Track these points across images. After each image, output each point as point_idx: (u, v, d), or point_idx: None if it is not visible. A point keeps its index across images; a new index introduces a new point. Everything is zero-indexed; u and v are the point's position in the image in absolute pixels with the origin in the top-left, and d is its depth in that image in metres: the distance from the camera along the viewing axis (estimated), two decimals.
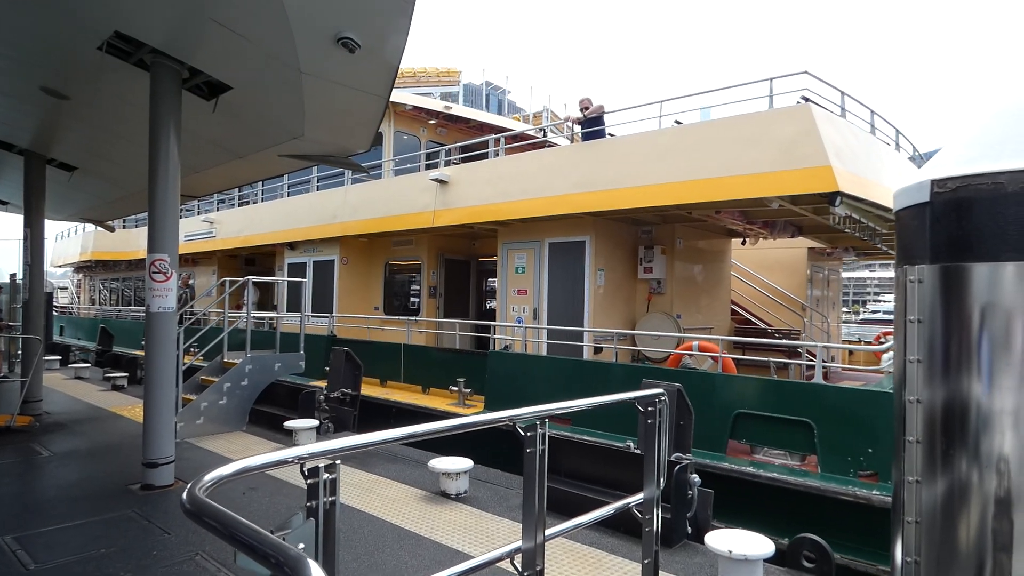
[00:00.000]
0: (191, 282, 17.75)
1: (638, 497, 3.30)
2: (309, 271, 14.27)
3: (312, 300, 13.89)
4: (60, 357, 15.20)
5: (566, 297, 10.13)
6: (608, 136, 9.77)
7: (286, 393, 8.46)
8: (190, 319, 9.91)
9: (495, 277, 14.92)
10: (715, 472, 5.49)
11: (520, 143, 13.20)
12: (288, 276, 14.33)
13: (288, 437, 6.97)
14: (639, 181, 8.47)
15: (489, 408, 7.56)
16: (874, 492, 4.97)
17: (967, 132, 2.56)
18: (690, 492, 4.19)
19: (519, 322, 10.61)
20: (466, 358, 9.63)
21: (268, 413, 8.08)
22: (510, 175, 10.14)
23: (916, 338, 2.47)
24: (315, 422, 7.02)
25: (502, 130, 13.52)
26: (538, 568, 2.53)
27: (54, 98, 6.24)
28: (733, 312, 12.92)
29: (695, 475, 4.27)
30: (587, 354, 9.31)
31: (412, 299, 13.77)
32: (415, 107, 13.72)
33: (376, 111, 5.75)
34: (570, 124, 10.72)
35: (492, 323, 11.04)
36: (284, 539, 1.70)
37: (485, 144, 11.40)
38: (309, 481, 1.84)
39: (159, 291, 5.40)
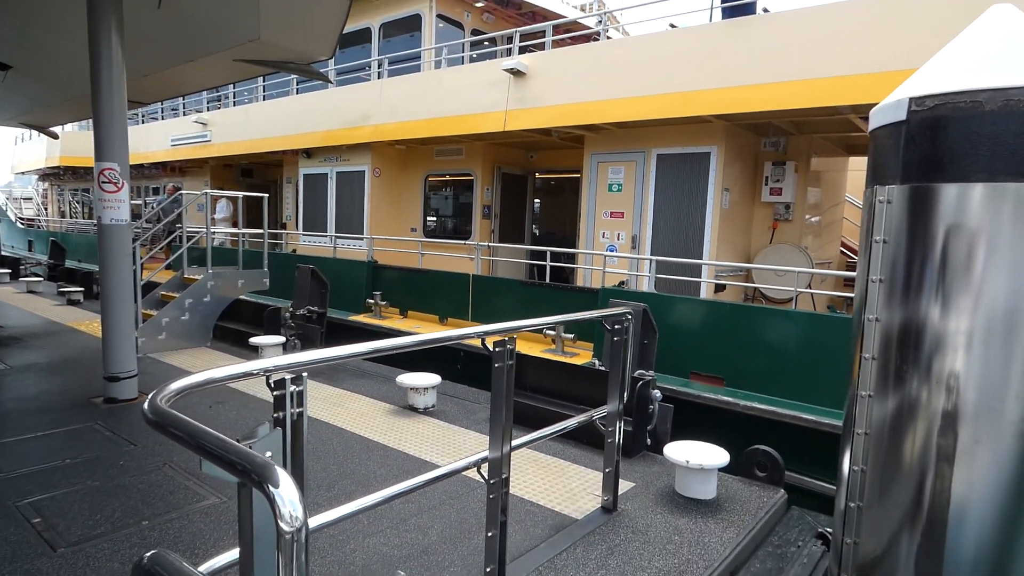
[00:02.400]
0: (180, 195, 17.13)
1: (602, 410, 3.40)
2: (331, 184, 12.19)
3: (336, 218, 12.03)
4: (10, 271, 14.66)
5: (678, 223, 8.37)
6: (761, 12, 7.35)
7: (251, 311, 8.35)
8: (166, 236, 9.26)
9: (549, 195, 13.24)
10: (678, 397, 5.67)
11: (572, 34, 10.95)
12: (304, 189, 12.77)
13: (254, 353, 6.93)
14: (805, 72, 6.55)
15: (598, 356, 6.58)
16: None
17: (948, 50, 2.51)
18: (651, 407, 4.33)
19: (610, 250, 8.90)
20: (561, 296, 7.73)
21: (233, 330, 8.00)
22: (615, 65, 8.09)
23: (880, 258, 2.52)
24: (281, 339, 6.98)
25: (560, 19, 11.17)
26: (503, 476, 2.60)
27: None
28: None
29: (656, 391, 4.40)
30: (705, 292, 7.92)
31: (459, 220, 11.75)
32: None
33: (339, 13, 5.39)
34: None
35: (578, 251, 9.23)
36: (251, 447, 1.69)
37: (537, 36, 9.45)
38: (275, 393, 1.82)
39: (110, 202, 5.15)
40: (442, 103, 9.92)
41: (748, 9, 7.23)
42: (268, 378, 1.85)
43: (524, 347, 7.17)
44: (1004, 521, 2.04)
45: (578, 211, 10.79)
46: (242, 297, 8.24)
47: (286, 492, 1.14)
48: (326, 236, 11.99)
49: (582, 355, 7.13)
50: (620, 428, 3.38)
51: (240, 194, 8.24)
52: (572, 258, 10.07)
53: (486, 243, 9.72)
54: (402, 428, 4.74)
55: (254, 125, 13.50)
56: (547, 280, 8.54)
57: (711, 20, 7.68)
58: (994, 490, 2.04)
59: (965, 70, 2.33)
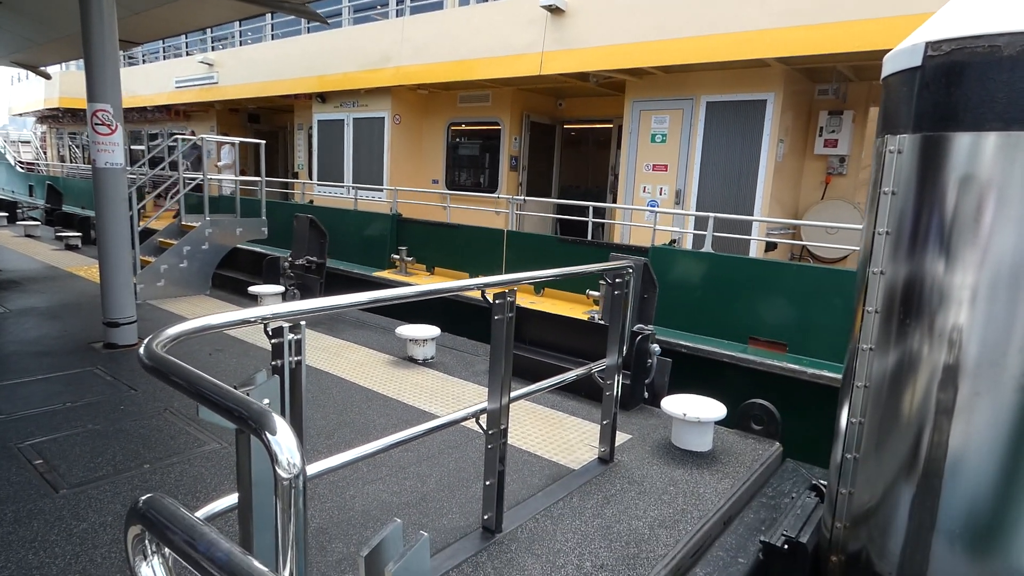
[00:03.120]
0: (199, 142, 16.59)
1: (601, 363, 3.40)
2: (347, 131, 11.43)
3: (353, 168, 11.39)
4: (7, 214, 14.55)
5: (728, 176, 7.80)
6: None
7: (251, 260, 8.32)
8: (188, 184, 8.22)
9: (570, 146, 12.42)
10: (677, 349, 5.66)
11: None
12: (319, 136, 12.07)
13: (253, 302, 6.93)
14: (878, 9, 5.99)
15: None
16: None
17: None
18: (649, 360, 4.34)
19: (652, 205, 8.28)
20: (603, 254, 7.10)
21: (232, 278, 7.98)
22: (663, 2, 7.49)
23: (888, 210, 2.46)
24: (280, 288, 6.97)
25: None
26: (502, 427, 2.61)
27: None
28: None
29: (655, 345, 4.40)
30: (755, 251, 7.46)
31: (484, 171, 10.95)
32: None
33: None
34: None
35: (617, 206, 8.59)
36: (248, 395, 1.68)
37: None
38: (274, 341, 1.80)
39: (105, 145, 5.05)
40: (471, 43, 9.20)
41: None
42: (266, 326, 1.83)
43: (565, 308, 6.86)
44: (1001, 472, 2.05)
45: (609, 163, 10.41)
46: (241, 246, 8.19)
47: (283, 439, 1.13)
48: (344, 187, 11.48)
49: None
50: (618, 381, 3.39)
51: (237, 140, 8.10)
52: (602, 213, 9.67)
53: (520, 197, 8.94)
54: (401, 379, 4.76)
55: (264, 66, 12.66)
56: (587, 237, 8.23)
57: None
58: (992, 442, 2.05)
59: (984, 13, 2.23)
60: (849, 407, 2.47)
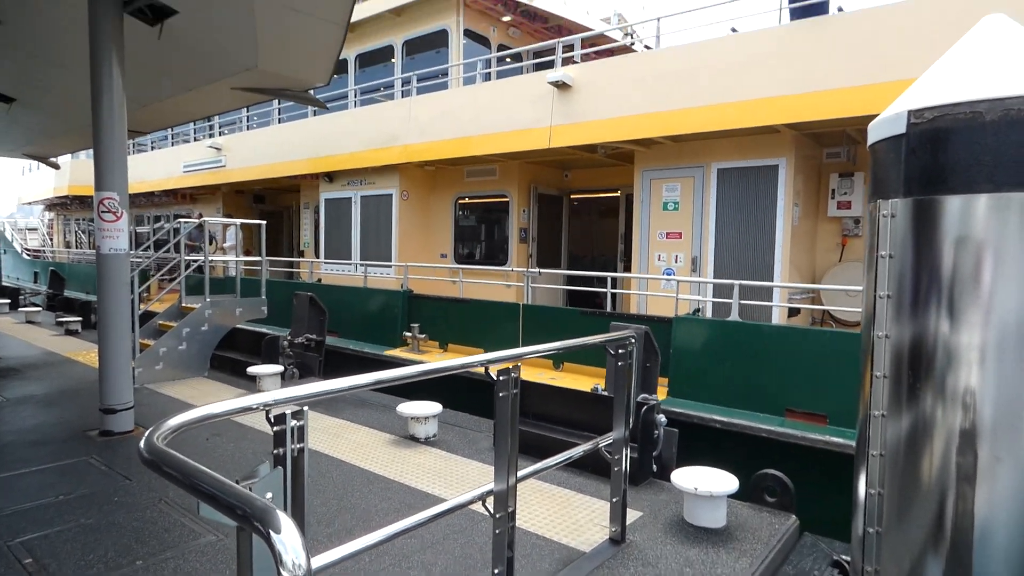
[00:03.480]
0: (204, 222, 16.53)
1: (608, 437, 3.32)
2: (355, 208, 11.59)
3: (361, 245, 11.47)
4: (9, 301, 14.61)
5: (744, 242, 7.75)
6: (836, 11, 6.93)
7: (248, 339, 8.29)
8: (191, 264, 8.43)
9: (576, 217, 12.57)
10: (684, 420, 5.54)
11: (597, 48, 10.52)
12: (326, 214, 12.20)
13: (252, 383, 6.86)
14: (887, 74, 6.03)
15: (675, 395, 6.00)
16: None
17: (945, 62, 2.49)
18: (656, 432, 4.25)
19: (668, 274, 8.24)
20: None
21: (230, 359, 7.92)
22: (671, 74, 7.60)
23: (886, 273, 2.47)
24: (279, 368, 6.91)
25: (590, 34, 10.43)
26: (510, 509, 2.52)
27: None
28: None
29: (661, 415, 4.32)
30: (777, 317, 7.28)
31: (492, 244, 11.00)
32: None
33: (335, 40, 5.43)
34: None
35: (633, 275, 8.54)
36: (251, 488, 1.63)
37: (561, 50, 8.84)
38: (276, 428, 1.76)
39: (110, 231, 5.13)
40: (479, 120, 9.42)
41: (820, 9, 6.81)
42: (268, 413, 1.80)
43: (586, 383, 6.41)
44: None
45: (617, 232, 10.61)
46: (241, 326, 8.18)
47: (288, 538, 1.09)
48: (350, 264, 11.52)
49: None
50: (627, 456, 3.30)
51: (239, 221, 8.23)
52: (612, 283, 9.93)
53: (535, 269, 8.57)
54: (403, 459, 4.65)
55: (272, 149, 13.04)
56: (603, 308, 8.22)
57: (779, 21, 7.26)
58: (1019, 508, 1.97)
59: (962, 81, 2.31)
60: (866, 477, 2.39)
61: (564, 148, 8.64)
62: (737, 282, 6.28)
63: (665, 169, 8.35)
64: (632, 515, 3.60)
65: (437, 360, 7.64)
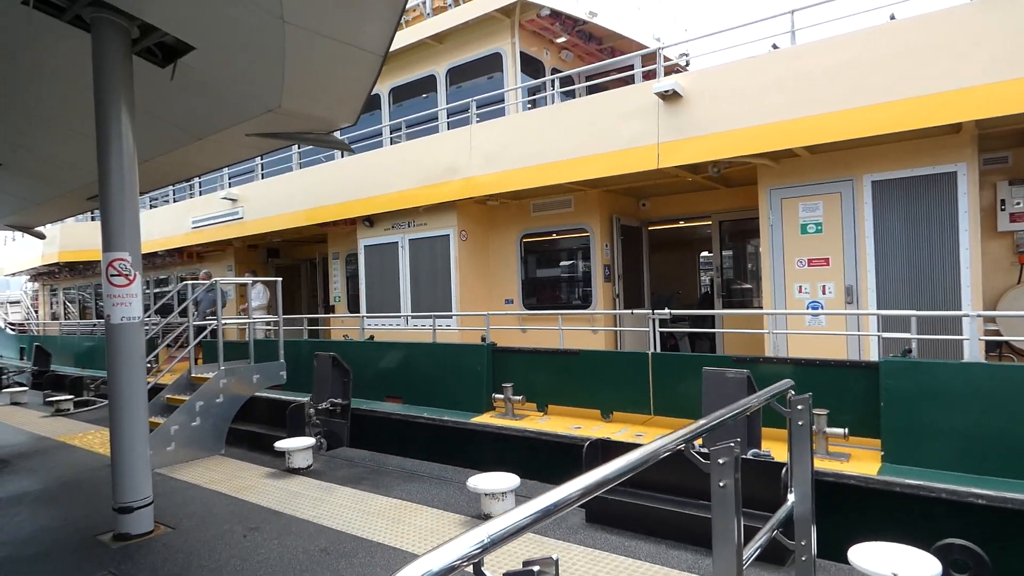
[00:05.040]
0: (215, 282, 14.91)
1: (781, 512, 2.63)
2: (402, 254, 10.31)
3: (412, 295, 10.20)
4: None
5: (916, 266, 6.55)
6: None
7: (267, 408, 7.50)
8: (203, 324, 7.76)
9: (656, 251, 11.38)
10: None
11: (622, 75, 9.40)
12: (367, 263, 10.94)
13: (278, 459, 6.08)
14: None
15: (893, 461, 4.73)
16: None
17: None
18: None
19: (813, 307, 7.08)
20: (805, 373, 5.34)
21: (248, 432, 7.12)
22: (805, 75, 6.50)
23: None
24: (310, 440, 6.13)
25: (646, 54, 9.28)
26: None
27: None
28: None
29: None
30: (974, 352, 5.57)
31: (570, 285, 9.90)
32: (552, 12, 9.52)
33: (370, 73, 4.88)
34: None
35: (768, 312, 7.25)
36: None
37: (614, 73, 8.35)
38: None
39: (121, 298, 4.43)
40: (560, 144, 8.28)
41: None
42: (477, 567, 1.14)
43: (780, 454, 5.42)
44: None
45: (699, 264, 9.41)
46: (259, 394, 7.41)
47: None
48: (403, 316, 10.37)
49: (859, 455, 4.89)
50: (814, 536, 2.61)
51: (251, 279, 7.56)
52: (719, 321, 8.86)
53: (665, 312, 6.77)
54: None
55: (297, 196, 11.84)
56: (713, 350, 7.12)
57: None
58: None
59: None
60: None
61: (669, 169, 7.62)
62: (975, 313, 5.09)
63: (801, 186, 7.24)
64: None
65: (540, 425, 6.58)
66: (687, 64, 10.50)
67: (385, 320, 10.49)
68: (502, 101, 9.77)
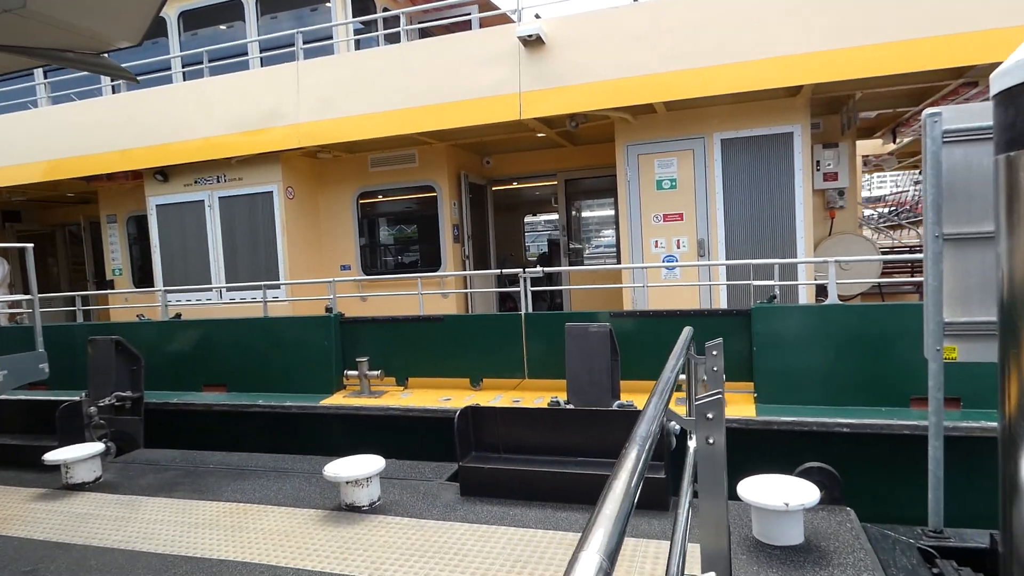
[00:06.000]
0: None
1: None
2: (211, 216, 8.71)
3: (226, 264, 8.74)
4: None
5: (758, 219, 7.05)
6: None
7: (24, 412, 5.95)
8: None
9: (509, 209, 11.34)
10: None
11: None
12: (160, 227, 8.97)
13: (49, 475, 4.87)
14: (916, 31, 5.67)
15: (767, 401, 5.00)
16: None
17: None
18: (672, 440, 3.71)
19: (668, 261, 7.28)
20: (677, 325, 4.42)
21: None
22: (674, 28, 6.53)
23: None
24: (95, 446, 4.98)
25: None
26: None
27: None
28: None
29: (674, 423, 3.79)
30: (804, 296, 6.64)
31: (415, 248, 9.22)
32: None
33: None
34: None
35: (629, 267, 7.28)
36: None
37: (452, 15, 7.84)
38: None
39: None
40: (410, 88, 7.42)
41: None
42: None
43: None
44: None
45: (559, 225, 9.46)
46: (6, 397, 5.85)
47: None
48: (218, 288, 8.72)
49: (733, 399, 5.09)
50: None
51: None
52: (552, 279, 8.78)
53: (537, 269, 6.40)
54: (350, 540, 3.46)
55: (51, 140, 9.31)
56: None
57: None
58: None
59: None
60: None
61: (528, 121, 7.28)
62: (833, 259, 5.37)
63: (657, 142, 7.32)
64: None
65: (402, 401, 5.93)
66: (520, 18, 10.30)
67: (191, 294, 8.88)
68: (329, 38, 8.60)
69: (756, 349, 5.16)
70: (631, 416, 4.02)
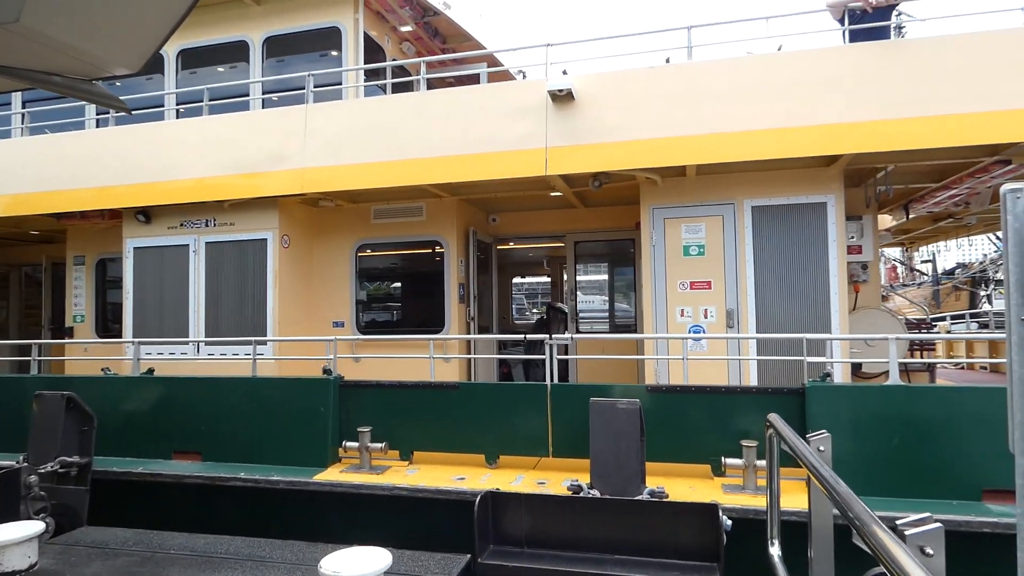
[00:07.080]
0: None
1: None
2: (195, 262, 8.09)
3: (205, 315, 8.06)
4: None
5: (792, 291, 6.70)
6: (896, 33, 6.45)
7: None
8: None
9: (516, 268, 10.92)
10: None
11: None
12: (136, 273, 8.27)
13: None
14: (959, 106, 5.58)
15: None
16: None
17: None
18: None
19: (694, 331, 6.88)
20: (723, 403, 5.00)
21: None
22: (708, 91, 6.29)
23: None
24: (33, 525, 4.19)
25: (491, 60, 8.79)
26: None
27: None
28: None
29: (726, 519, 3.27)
30: (841, 374, 6.26)
31: (416, 307, 8.72)
32: None
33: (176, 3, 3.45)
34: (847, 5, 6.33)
35: (666, 336, 6.86)
36: None
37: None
38: None
39: None
40: (428, 137, 7.04)
41: (882, 33, 6.38)
42: None
43: (682, 492, 4.47)
44: None
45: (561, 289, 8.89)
46: None
47: None
48: (199, 342, 7.95)
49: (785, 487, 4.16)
50: None
51: None
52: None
53: (566, 336, 6.12)
54: None
55: (16, 171, 8.59)
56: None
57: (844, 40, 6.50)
58: None
59: None
60: None
61: (549, 178, 6.99)
62: (892, 336, 4.95)
63: (684, 207, 7.03)
64: None
65: (409, 479, 5.11)
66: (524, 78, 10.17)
67: (163, 348, 7.98)
68: (338, 83, 8.26)
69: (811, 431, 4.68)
70: (669, 508, 3.49)
